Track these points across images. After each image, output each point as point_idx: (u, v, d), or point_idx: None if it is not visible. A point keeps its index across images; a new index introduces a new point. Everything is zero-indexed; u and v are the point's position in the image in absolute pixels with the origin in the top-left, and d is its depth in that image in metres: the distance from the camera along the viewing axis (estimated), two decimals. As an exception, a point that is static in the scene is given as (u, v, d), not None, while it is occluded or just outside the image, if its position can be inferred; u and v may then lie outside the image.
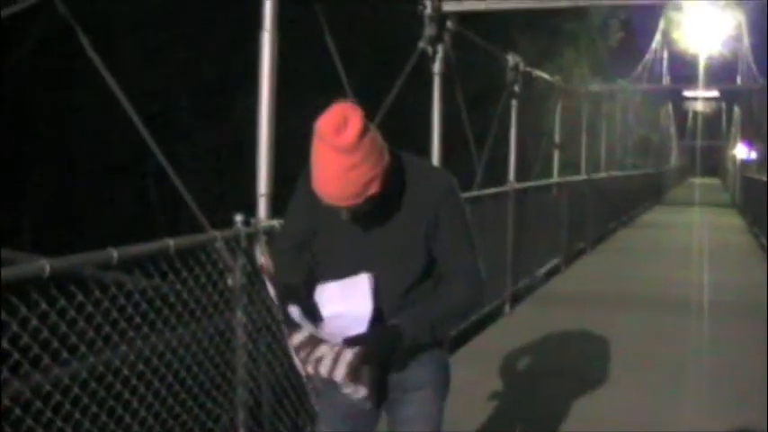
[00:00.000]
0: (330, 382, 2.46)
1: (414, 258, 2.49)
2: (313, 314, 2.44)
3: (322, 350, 2.38)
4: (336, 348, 2.35)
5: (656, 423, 5.32)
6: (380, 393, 2.58)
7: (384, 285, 2.45)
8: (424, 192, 2.45)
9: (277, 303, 3.59)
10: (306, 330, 2.40)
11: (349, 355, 2.33)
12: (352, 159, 2.23)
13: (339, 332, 2.37)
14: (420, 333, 2.46)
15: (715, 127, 72.31)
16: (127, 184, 15.10)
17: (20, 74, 13.61)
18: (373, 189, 2.30)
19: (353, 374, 2.35)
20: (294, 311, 2.39)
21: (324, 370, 2.36)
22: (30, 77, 13.90)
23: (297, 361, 2.46)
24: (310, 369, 2.40)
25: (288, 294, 2.53)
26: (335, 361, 2.34)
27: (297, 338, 2.42)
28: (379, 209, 2.37)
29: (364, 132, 2.25)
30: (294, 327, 2.42)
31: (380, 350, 2.40)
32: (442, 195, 2.48)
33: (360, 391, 2.41)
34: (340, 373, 2.34)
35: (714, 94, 55.99)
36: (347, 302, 2.43)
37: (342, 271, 2.48)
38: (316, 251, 2.61)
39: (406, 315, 2.45)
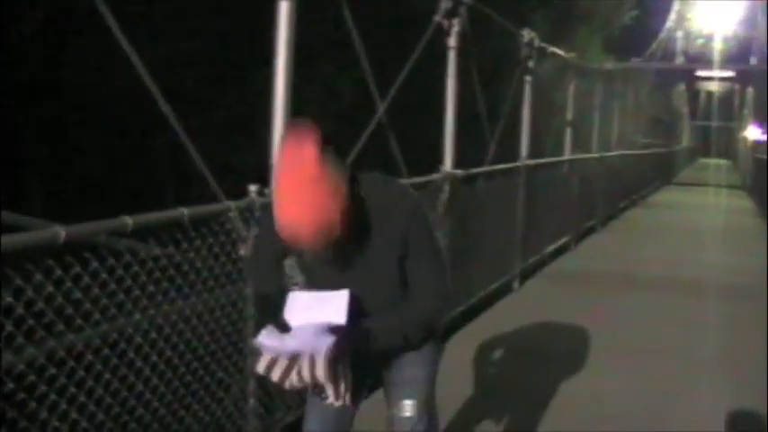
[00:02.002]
0: (312, 392, 2.51)
1: (389, 280, 2.54)
2: (284, 326, 2.45)
3: (292, 360, 2.36)
4: (308, 351, 2.34)
5: (657, 403, 5.34)
6: (355, 394, 2.61)
7: (359, 302, 2.49)
8: (391, 217, 2.47)
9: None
10: (271, 352, 2.38)
11: (323, 350, 2.32)
12: (311, 171, 2.22)
13: (307, 343, 2.35)
14: (390, 340, 2.52)
15: (727, 108, 71.74)
16: (137, 153, 15.10)
17: (28, 40, 13.59)
18: (336, 231, 2.29)
19: (331, 369, 2.36)
20: (263, 336, 2.38)
21: (305, 373, 2.34)
22: (39, 43, 13.87)
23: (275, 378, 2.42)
24: (294, 382, 2.38)
25: (265, 310, 2.61)
26: (312, 363, 2.34)
27: (262, 364, 2.39)
28: (348, 245, 2.40)
29: (322, 150, 2.24)
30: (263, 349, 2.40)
31: (352, 346, 2.42)
32: (409, 217, 2.51)
33: (340, 394, 2.45)
34: (320, 370, 2.33)
35: (727, 74, 55.55)
36: (320, 314, 2.43)
37: (318, 290, 2.53)
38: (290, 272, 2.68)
39: (377, 321, 2.49)
